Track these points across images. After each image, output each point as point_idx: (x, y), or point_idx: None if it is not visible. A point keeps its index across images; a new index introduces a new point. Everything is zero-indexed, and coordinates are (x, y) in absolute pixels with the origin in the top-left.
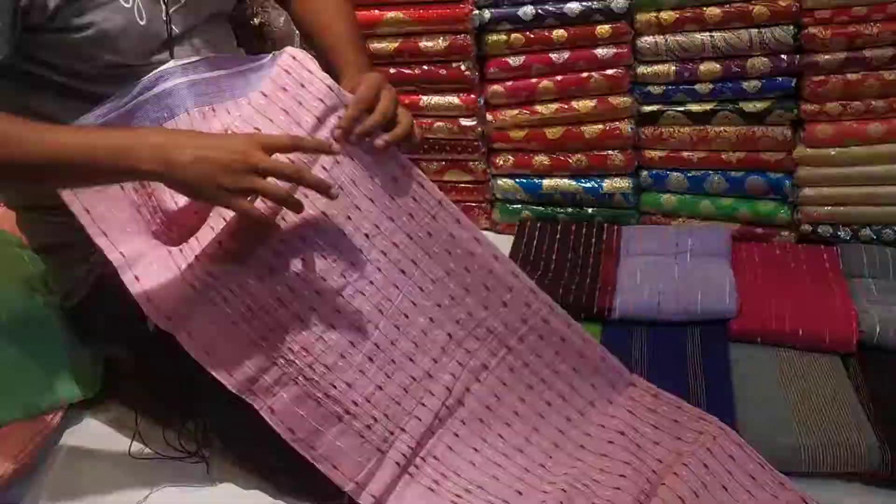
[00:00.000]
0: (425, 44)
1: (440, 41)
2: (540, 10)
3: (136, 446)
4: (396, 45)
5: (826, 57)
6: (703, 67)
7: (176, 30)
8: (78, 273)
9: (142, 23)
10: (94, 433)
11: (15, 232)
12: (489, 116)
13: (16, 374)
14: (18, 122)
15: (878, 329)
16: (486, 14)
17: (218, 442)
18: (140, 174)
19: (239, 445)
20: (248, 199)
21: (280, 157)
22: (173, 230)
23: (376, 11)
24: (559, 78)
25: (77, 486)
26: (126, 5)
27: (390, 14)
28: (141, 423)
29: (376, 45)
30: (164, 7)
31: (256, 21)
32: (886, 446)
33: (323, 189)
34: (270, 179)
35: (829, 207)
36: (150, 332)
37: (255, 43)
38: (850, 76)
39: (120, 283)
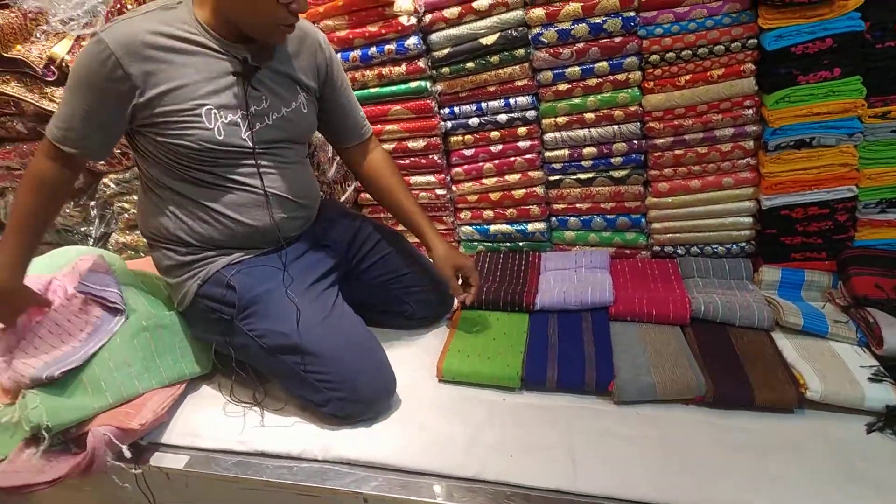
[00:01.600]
0: (411, 144)
1: (420, 142)
2: (482, 121)
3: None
4: (393, 145)
5: (661, 140)
6: (585, 151)
7: (257, 145)
8: (182, 290)
9: (218, 137)
10: (204, 395)
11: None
12: (454, 188)
13: (156, 361)
14: (29, 198)
15: (702, 308)
16: (449, 124)
17: (269, 396)
18: None
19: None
20: None
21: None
22: None
23: (378, 126)
24: (496, 161)
25: (193, 428)
26: (209, 126)
27: (389, 126)
28: (226, 386)
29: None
30: (247, 127)
31: None
32: (709, 381)
33: None
34: None
35: (670, 235)
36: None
37: None
38: (676, 152)
39: (205, 298)
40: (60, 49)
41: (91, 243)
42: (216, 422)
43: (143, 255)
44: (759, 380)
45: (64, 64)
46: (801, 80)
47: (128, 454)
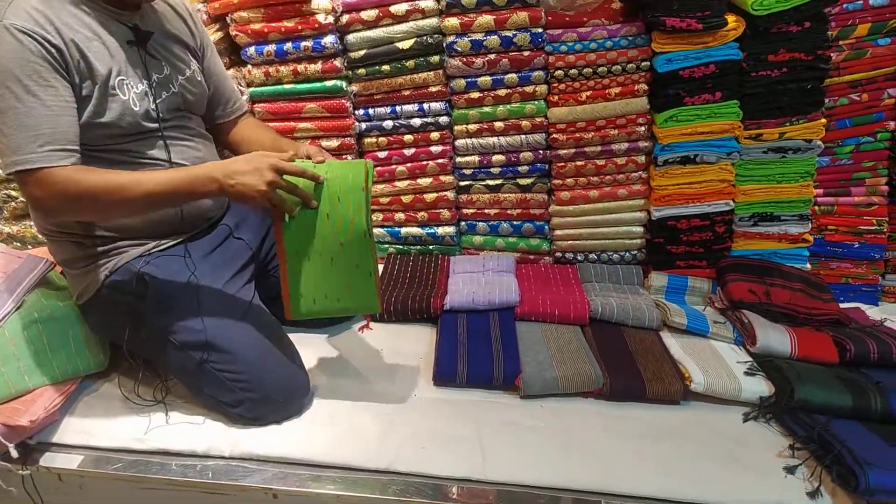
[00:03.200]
0: (325, 143)
1: (334, 141)
2: (396, 123)
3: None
4: (307, 143)
5: (564, 151)
6: (494, 158)
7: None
8: (85, 281)
9: (135, 108)
10: (100, 393)
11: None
12: None
13: (48, 355)
14: (112, 172)
15: (599, 310)
16: (363, 125)
17: (172, 394)
18: (207, 195)
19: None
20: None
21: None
22: None
23: (292, 123)
24: (409, 165)
25: (88, 426)
26: (124, 97)
27: (303, 124)
28: (125, 384)
29: None
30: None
31: None
32: (606, 375)
33: (316, 179)
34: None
35: (570, 241)
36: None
37: None
38: (577, 163)
39: (112, 290)
40: None
41: None
42: (113, 420)
43: (30, 247)
44: (649, 374)
45: None
46: (687, 101)
47: (14, 454)
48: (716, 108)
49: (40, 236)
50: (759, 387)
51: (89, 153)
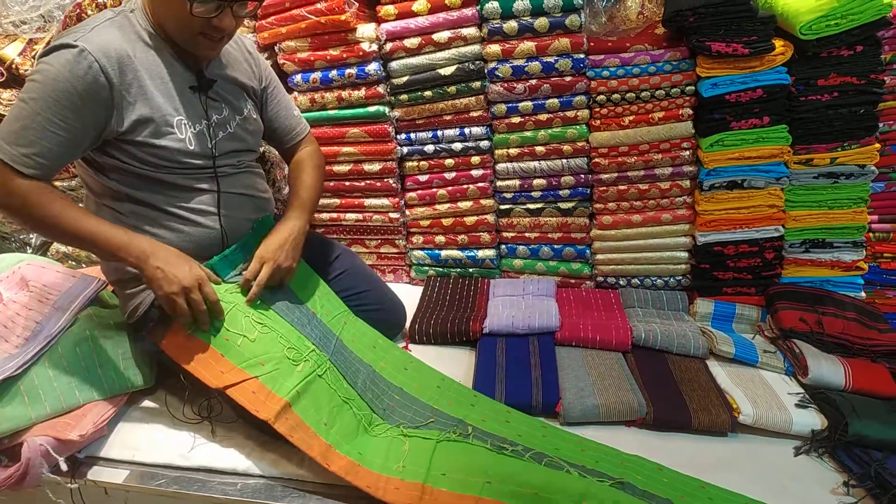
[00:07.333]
0: (367, 167)
1: (376, 165)
2: (437, 147)
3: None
4: (349, 167)
5: (606, 176)
6: (535, 182)
7: (218, 153)
8: (135, 301)
9: (191, 147)
10: (146, 409)
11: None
12: (407, 212)
13: (98, 371)
14: (63, 205)
15: (642, 336)
16: (405, 149)
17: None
18: (126, 264)
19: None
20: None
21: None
22: None
23: (336, 148)
24: (450, 188)
25: (134, 442)
26: (181, 136)
27: (346, 149)
28: (171, 401)
29: (337, 168)
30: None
31: (262, 150)
32: (649, 404)
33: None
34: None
35: (612, 266)
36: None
37: (259, 162)
38: (620, 187)
39: (160, 310)
40: (11, 51)
41: (30, 251)
42: (158, 436)
43: (84, 266)
44: (695, 404)
45: (14, 66)
46: (733, 125)
47: (64, 467)
48: (763, 133)
49: (94, 256)
50: (811, 420)
51: (146, 183)
